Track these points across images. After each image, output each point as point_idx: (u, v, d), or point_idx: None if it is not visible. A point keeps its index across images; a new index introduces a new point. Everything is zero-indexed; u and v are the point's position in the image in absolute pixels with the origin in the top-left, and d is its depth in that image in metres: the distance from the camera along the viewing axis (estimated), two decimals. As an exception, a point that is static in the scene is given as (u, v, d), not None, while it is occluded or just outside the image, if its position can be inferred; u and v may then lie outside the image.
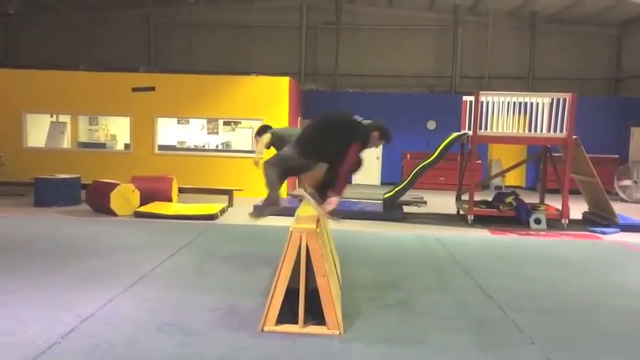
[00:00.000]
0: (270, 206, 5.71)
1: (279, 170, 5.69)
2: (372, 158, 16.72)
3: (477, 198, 10.45)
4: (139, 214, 9.59)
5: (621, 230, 9.57)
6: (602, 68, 17.89)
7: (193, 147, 14.60)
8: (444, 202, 12.28)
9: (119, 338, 4.08)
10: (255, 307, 4.82)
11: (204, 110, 13.59)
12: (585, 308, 5.27)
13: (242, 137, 14.75)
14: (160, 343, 4.04)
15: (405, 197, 10.86)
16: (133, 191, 10.00)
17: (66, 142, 14.46)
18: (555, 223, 9.97)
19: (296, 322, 4.30)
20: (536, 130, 10.09)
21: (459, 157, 11.79)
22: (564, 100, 9.78)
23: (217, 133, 14.91)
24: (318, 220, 4.74)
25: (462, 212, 10.74)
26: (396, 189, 10.56)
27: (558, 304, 5.35)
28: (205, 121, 14.58)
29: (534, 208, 10.27)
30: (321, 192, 5.22)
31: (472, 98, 10.11)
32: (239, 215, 9.56)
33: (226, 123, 14.82)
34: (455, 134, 10.59)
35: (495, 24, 17.46)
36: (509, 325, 4.72)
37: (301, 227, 4.37)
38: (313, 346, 4.08)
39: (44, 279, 5.56)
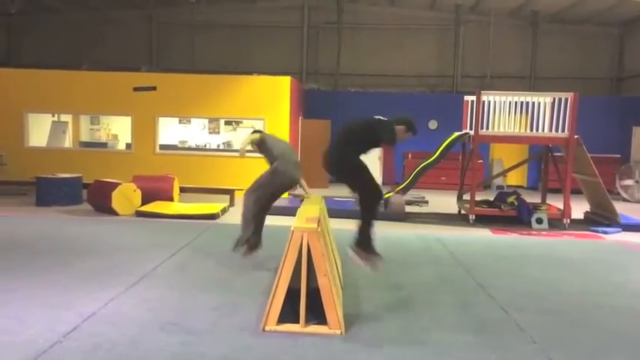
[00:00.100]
0: (243, 244, 6.21)
1: (260, 202, 5.92)
2: (372, 158, 16.70)
3: (478, 198, 10.44)
4: (140, 214, 9.60)
5: (623, 230, 9.55)
6: (604, 68, 17.86)
7: (195, 147, 14.60)
8: (445, 202, 12.27)
9: (121, 337, 4.08)
10: (257, 306, 4.82)
11: (205, 110, 13.60)
12: (587, 308, 5.26)
13: (243, 137, 14.72)
14: (161, 343, 4.04)
15: (406, 197, 10.85)
16: (135, 191, 10.00)
17: (67, 142, 14.46)
18: (557, 222, 9.96)
19: (297, 322, 4.30)
20: (537, 130, 10.07)
21: (460, 157, 11.79)
22: (566, 99, 9.76)
23: (219, 132, 14.90)
24: (319, 220, 4.74)
25: (463, 212, 10.73)
26: (398, 189, 10.56)
27: (560, 304, 5.34)
28: (207, 120, 14.56)
29: (536, 207, 10.26)
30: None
31: (474, 98, 10.10)
32: (240, 215, 9.53)
33: (227, 123, 14.80)
34: (456, 134, 10.58)
35: (497, 23, 17.44)
36: (510, 324, 4.71)
37: (302, 227, 4.37)
38: (314, 345, 4.08)
39: (45, 278, 5.56)
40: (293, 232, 4.33)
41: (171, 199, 10.74)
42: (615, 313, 5.14)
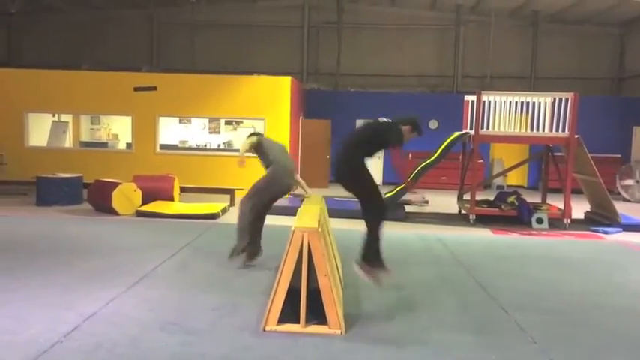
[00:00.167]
0: (239, 254, 6.19)
1: (256, 210, 6.07)
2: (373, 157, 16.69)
3: (478, 197, 10.44)
4: (140, 214, 9.60)
5: (623, 230, 9.55)
6: (605, 68, 17.86)
7: (195, 146, 14.60)
8: (445, 202, 12.27)
9: (121, 337, 4.08)
10: (257, 306, 4.82)
11: (205, 110, 13.60)
12: (587, 308, 5.26)
13: (244, 137, 14.72)
14: (162, 343, 4.04)
15: (406, 197, 10.85)
16: (135, 190, 10.00)
17: (68, 142, 14.46)
18: (557, 222, 9.95)
19: (297, 322, 4.30)
20: (538, 130, 10.07)
21: (460, 157, 11.79)
22: (566, 99, 9.76)
23: (219, 132, 14.90)
24: (319, 219, 4.74)
25: (463, 212, 10.73)
26: (398, 188, 10.55)
27: (560, 304, 5.34)
28: (207, 120, 14.57)
29: (536, 207, 10.26)
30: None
31: (474, 98, 10.10)
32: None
33: (228, 122, 14.80)
34: (457, 134, 10.58)
35: (497, 23, 17.43)
36: (511, 324, 4.71)
37: (303, 226, 4.37)
38: (315, 345, 4.08)
39: (46, 278, 5.56)
40: (294, 232, 4.33)
41: (171, 199, 10.75)
42: (616, 313, 5.14)
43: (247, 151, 6.42)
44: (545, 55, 17.63)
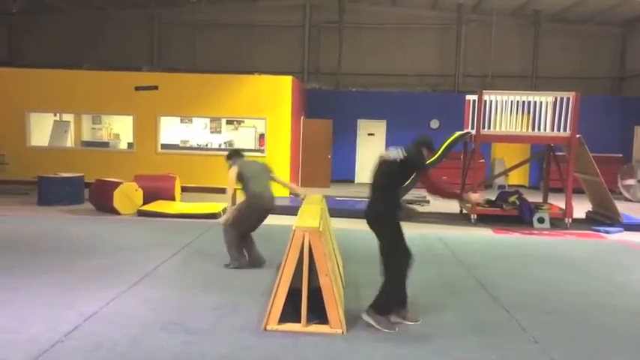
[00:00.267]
0: (235, 262, 6.19)
1: (242, 235, 6.17)
2: (374, 157, 16.68)
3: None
4: (141, 213, 9.60)
5: (625, 229, 9.54)
6: (606, 67, 17.83)
7: (196, 146, 14.61)
8: (446, 202, 12.22)
9: (122, 337, 4.08)
10: (258, 306, 4.82)
11: (207, 109, 13.60)
12: (589, 308, 5.25)
13: (245, 136, 14.75)
14: (163, 342, 4.04)
15: (407, 196, 10.84)
16: (136, 190, 10.00)
17: (69, 141, 14.47)
18: (559, 222, 9.94)
19: (299, 321, 4.30)
20: (539, 129, 10.05)
21: (462, 156, 11.77)
22: (568, 99, 9.75)
23: (220, 132, 14.90)
24: (320, 219, 4.74)
25: (465, 211, 10.72)
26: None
27: (562, 304, 5.33)
28: (208, 120, 14.57)
29: (538, 207, 10.25)
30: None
31: (475, 97, 10.09)
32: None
33: (229, 122, 14.81)
34: (458, 133, 10.57)
35: (499, 23, 17.41)
36: (512, 324, 4.71)
37: (304, 226, 4.37)
38: (316, 345, 4.08)
39: (47, 277, 5.57)
40: (295, 231, 4.33)
41: (172, 199, 10.75)
42: (617, 312, 5.14)
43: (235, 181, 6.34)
44: (546, 55, 17.61)
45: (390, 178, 4.73)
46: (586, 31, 17.63)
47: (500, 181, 15.60)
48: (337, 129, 15.62)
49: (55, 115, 14.67)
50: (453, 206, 11.48)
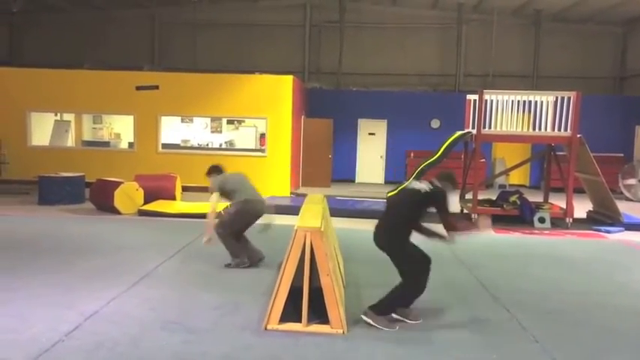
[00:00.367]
0: (237, 259, 6.24)
1: (236, 235, 6.25)
2: (375, 157, 16.72)
3: (480, 197, 10.42)
4: (142, 213, 9.61)
5: (626, 229, 9.53)
6: (607, 67, 17.81)
7: (197, 145, 14.61)
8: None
9: (122, 336, 4.09)
10: (258, 305, 4.82)
11: (207, 109, 13.60)
12: (589, 307, 5.25)
13: (245, 136, 14.75)
14: (163, 342, 4.04)
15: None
16: (137, 190, 10.01)
17: (70, 141, 14.48)
18: (559, 221, 9.93)
19: (299, 321, 4.30)
20: (540, 129, 10.04)
21: (462, 156, 11.76)
22: (569, 98, 9.74)
23: (221, 131, 14.91)
24: (322, 219, 4.73)
25: (465, 211, 10.71)
26: (400, 188, 10.52)
27: (562, 303, 5.33)
28: (209, 119, 14.57)
29: (538, 206, 10.24)
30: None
31: (476, 96, 10.08)
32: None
33: (230, 122, 14.82)
34: (459, 133, 10.56)
35: (499, 22, 17.40)
36: (513, 323, 4.70)
37: (305, 226, 4.37)
38: (316, 344, 4.07)
39: (48, 277, 5.57)
40: (296, 231, 4.33)
41: (173, 198, 10.75)
42: (618, 312, 5.13)
43: (218, 200, 6.37)
44: (547, 54, 17.59)
45: (409, 209, 4.83)
46: (587, 30, 17.61)
47: (500, 180, 15.59)
48: (338, 128, 15.61)
49: (56, 114, 14.68)
50: (453, 206, 11.46)
